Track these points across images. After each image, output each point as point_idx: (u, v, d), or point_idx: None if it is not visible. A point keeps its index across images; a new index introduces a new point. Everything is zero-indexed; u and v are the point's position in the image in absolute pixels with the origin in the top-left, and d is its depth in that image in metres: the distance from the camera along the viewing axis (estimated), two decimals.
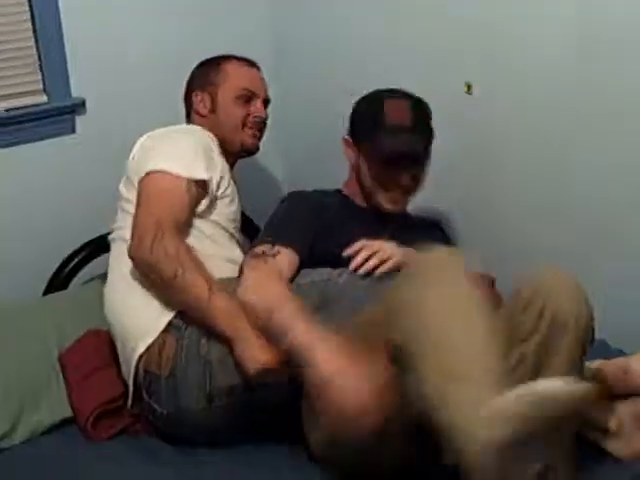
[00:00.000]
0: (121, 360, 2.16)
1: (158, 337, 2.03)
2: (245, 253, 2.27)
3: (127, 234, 2.10)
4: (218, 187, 2.26)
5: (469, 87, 2.56)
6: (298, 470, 1.93)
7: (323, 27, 3.00)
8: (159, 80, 2.84)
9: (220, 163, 2.31)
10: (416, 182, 2.35)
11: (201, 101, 2.47)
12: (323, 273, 2.10)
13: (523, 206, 2.56)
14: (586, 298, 1.78)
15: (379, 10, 2.77)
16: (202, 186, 2.19)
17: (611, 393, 1.90)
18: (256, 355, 1.88)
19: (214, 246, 2.22)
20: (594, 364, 1.98)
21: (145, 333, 2.04)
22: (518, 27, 2.39)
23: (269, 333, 1.89)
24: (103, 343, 2.28)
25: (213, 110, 2.46)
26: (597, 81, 2.26)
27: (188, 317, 2.02)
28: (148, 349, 2.03)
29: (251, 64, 2.54)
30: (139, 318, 2.08)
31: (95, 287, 2.54)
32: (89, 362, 2.24)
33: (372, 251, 2.11)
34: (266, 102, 2.54)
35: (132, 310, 2.11)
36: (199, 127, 2.42)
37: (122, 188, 2.27)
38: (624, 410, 1.90)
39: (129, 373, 2.09)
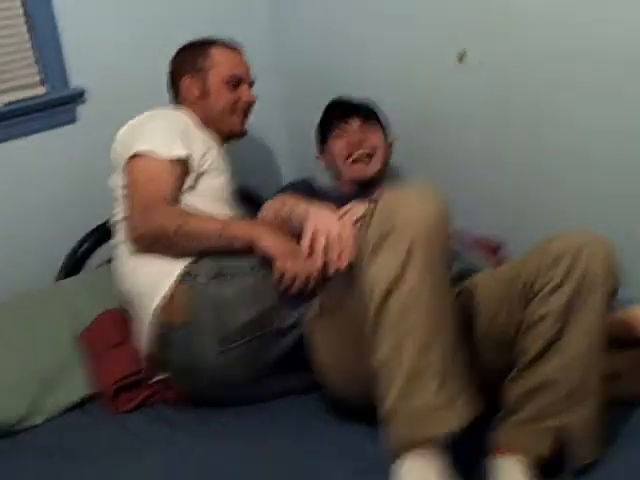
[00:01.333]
0: (137, 325, 2.20)
1: (171, 288, 2.09)
2: None
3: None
4: (202, 162, 2.32)
5: (462, 56, 2.59)
6: (316, 431, 1.98)
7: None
8: (158, 65, 2.83)
9: (200, 139, 2.37)
10: (371, 142, 2.55)
11: (190, 87, 2.50)
12: None
13: (528, 171, 2.60)
14: (616, 258, 1.77)
15: None
16: (183, 164, 2.26)
17: (620, 340, 1.93)
18: (278, 240, 2.04)
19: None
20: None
21: (159, 287, 2.11)
22: None
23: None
24: (120, 321, 2.34)
25: (202, 96, 2.49)
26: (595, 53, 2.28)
27: (200, 265, 2.10)
28: (162, 301, 2.09)
29: (236, 48, 2.57)
30: (151, 275, 2.14)
31: (106, 271, 2.58)
32: (107, 339, 2.30)
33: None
34: (251, 84, 2.59)
35: (143, 271, 2.17)
36: (173, 108, 2.48)
37: (110, 182, 2.34)
38: (629, 356, 1.95)
39: (148, 333, 2.13)
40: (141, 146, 2.23)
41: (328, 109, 2.66)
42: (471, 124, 2.67)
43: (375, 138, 2.58)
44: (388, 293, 1.68)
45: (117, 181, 2.30)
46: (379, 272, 1.69)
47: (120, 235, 2.28)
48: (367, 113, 2.60)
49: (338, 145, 2.59)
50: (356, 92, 2.69)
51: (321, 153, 2.68)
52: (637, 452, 1.78)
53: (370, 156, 2.56)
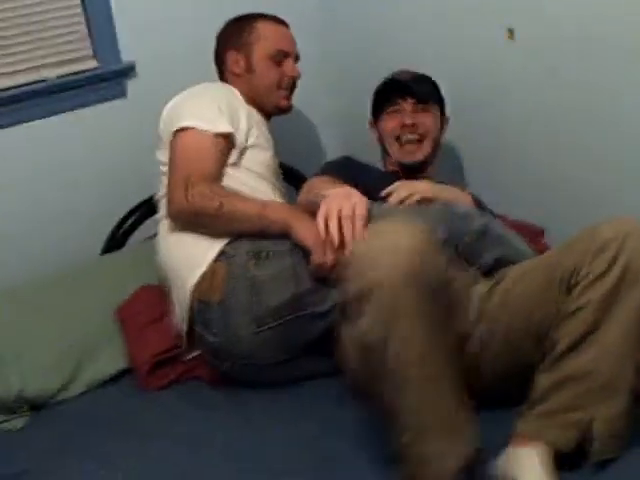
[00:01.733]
0: (174, 302, 2.23)
1: (210, 266, 2.11)
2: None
3: None
4: (247, 137, 2.33)
5: (511, 32, 2.54)
6: (340, 417, 1.98)
7: None
8: (208, 40, 2.85)
9: (245, 114, 2.37)
10: (423, 126, 2.49)
11: (236, 61, 2.50)
12: None
13: (571, 155, 2.53)
14: None
15: None
16: (228, 139, 2.27)
17: None
18: (315, 231, 1.98)
19: (249, 192, 2.26)
20: None
21: (197, 264, 2.13)
22: None
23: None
24: (158, 296, 2.36)
25: (248, 70, 2.49)
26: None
27: (238, 244, 2.11)
28: (201, 279, 2.11)
29: (282, 23, 2.56)
30: (191, 252, 2.16)
31: (150, 246, 2.60)
32: (145, 314, 2.33)
33: (409, 191, 2.20)
34: (297, 59, 2.57)
35: (183, 247, 2.19)
36: (220, 83, 2.50)
37: (158, 155, 2.36)
38: None
39: (184, 309, 2.16)
40: (186, 121, 2.24)
41: (386, 83, 2.60)
42: (519, 102, 2.62)
43: (428, 122, 2.52)
44: (381, 350, 1.64)
45: (163, 156, 2.32)
46: (367, 329, 1.65)
47: (162, 211, 2.30)
48: (424, 94, 2.54)
49: (390, 124, 2.54)
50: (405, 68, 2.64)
51: (374, 124, 2.64)
52: None
53: (421, 140, 2.52)
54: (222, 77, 2.56)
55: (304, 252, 2.04)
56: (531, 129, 2.61)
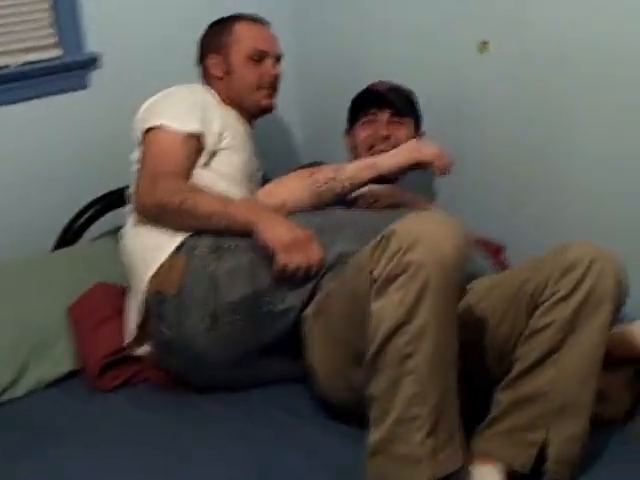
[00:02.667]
0: (132, 293, 2.19)
1: (169, 257, 2.10)
2: None
3: None
4: (220, 139, 2.31)
5: (485, 44, 2.53)
6: (296, 426, 1.97)
7: None
8: (173, 34, 2.83)
9: (219, 116, 2.34)
10: (397, 139, 2.48)
11: (215, 64, 2.49)
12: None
13: (534, 172, 2.56)
14: (625, 278, 1.76)
15: None
16: (198, 139, 2.25)
17: (612, 358, 1.88)
18: (279, 231, 2.01)
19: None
20: None
21: (157, 254, 2.11)
22: None
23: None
24: (111, 295, 2.33)
25: (227, 72, 2.47)
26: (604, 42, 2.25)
27: (200, 237, 2.09)
28: (159, 270, 2.09)
29: (261, 22, 2.54)
30: (152, 242, 2.14)
31: (105, 243, 2.59)
32: (97, 313, 2.28)
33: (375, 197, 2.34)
34: (278, 58, 2.54)
35: (145, 238, 2.17)
36: (195, 84, 2.47)
37: (132, 155, 2.32)
38: (615, 375, 1.92)
39: (140, 300, 2.12)
40: (156, 120, 2.24)
41: (364, 92, 2.61)
42: (490, 115, 2.63)
43: (402, 135, 2.51)
44: (393, 333, 1.65)
45: (135, 156, 2.30)
46: (386, 310, 1.66)
47: (130, 207, 2.28)
48: (401, 107, 2.55)
49: (364, 133, 2.55)
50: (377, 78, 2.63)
51: (348, 132, 2.64)
52: (612, 475, 1.75)
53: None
54: (204, 80, 2.54)
55: (266, 252, 2.02)
56: (498, 143, 2.63)
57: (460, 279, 1.69)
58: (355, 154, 2.57)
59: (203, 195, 2.12)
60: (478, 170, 2.69)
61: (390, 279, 1.65)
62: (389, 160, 2.22)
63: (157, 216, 2.13)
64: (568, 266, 1.73)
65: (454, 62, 2.65)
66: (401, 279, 1.63)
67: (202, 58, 2.54)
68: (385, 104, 2.53)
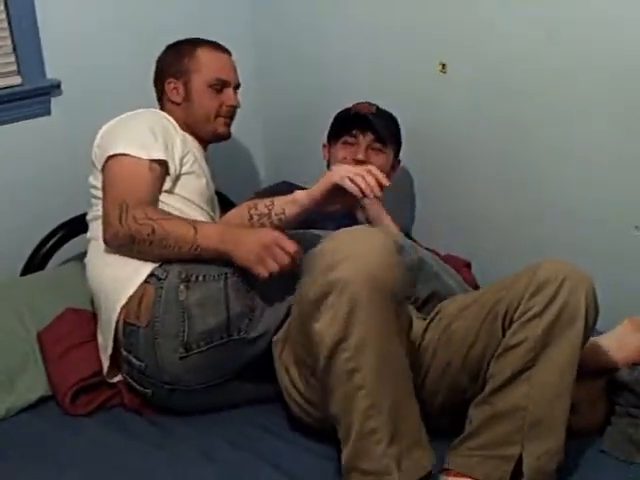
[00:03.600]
0: (101, 324, 2.17)
1: (139, 287, 2.07)
2: None
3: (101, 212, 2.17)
4: (182, 164, 2.31)
5: (443, 66, 2.57)
6: (274, 441, 1.98)
7: (304, 15, 2.99)
8: (133, 61, 2.83)
9: (180, 141, 2.34)
10: (373, 163, 2.43)
11: (174, 89, 2.48)
12: None
13: (498, 190, 2.59)
14: (595, 295, 1.77)
15: None
16: (162, 165, 2.24)
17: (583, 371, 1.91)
18: (247, 249, 1.96)
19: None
20: None
21: (126, 285, 2.09)
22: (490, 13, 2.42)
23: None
24: (82, 320, 2.31)
25: (186, 98, 2.47)
26: (566, 66, 2.29)
27: (169, 267, 2.07)
28: (129, 300, 2.07)
29: (223, 50, 2.53)
30: (120, 273, 2.12)
31: (72, 267, 2.57)
32: (68, 338, 2.25)
33: None
34: (237, 87, 2.56)
35: (114, 268, 2.14)
36: (153, 109, 2.45)
37: (91, 179, 2.31)
38: (586, 387, 1.94)
39: (110, 331, 2.10)
40: (120, 147, 2.20)
41: (349, 111, 2.61)
42: (450, 135, 2.66)
43: (379, 162, 2.52)
44: (334, 351, 1.68)
45: (95, 180, 2.28)
46: (323, 330, 1.69)
47: (93, 232, 2.26)
48: (383, 134, 2.56)
49: (342, 153, 2.57)
50: (339, 102, 2.66)
51: (327, 144, 2.65)
52: None
53: None
54: (160, 102, 2.53)
55: (239, 274, 2.02)
56: (463, 162, 2.66)
57: (394, 288, 1.70)
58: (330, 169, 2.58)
59: (173, 224, 2.08)
60: (440, 190, 2.74)
61: (320, 299, 1.68)
62: (307, 192, 2.09)
63: (128, 246, 2.09)
64: (541, 283, 1.74)
65: (414, 84, 2.69)
66: (330, 298, 1.67)
67: (160, 80, 2.52)
68: (368, 128, 2.54)
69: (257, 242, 1.97)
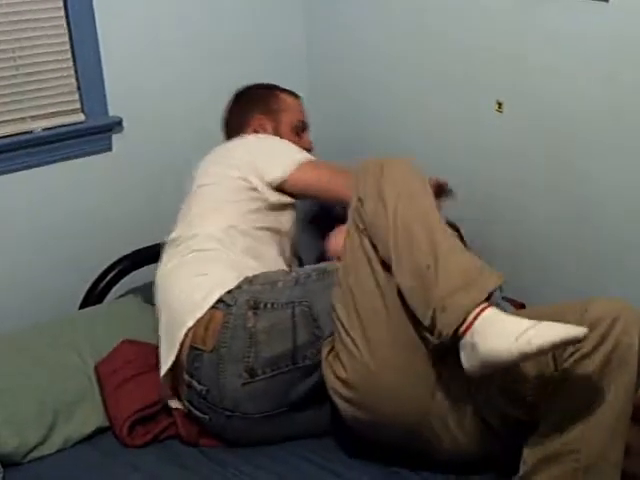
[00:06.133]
0: (165, 347, 2.19)
1: (207, 312, 2.10)
2: None
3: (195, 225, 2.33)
4: None
5: (500, 105, 2.58)
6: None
7: (355, 53, 3.03)
8: (193, 101, 2.89)
9: None
10: None
11: (262, 125, 2.58)
12: None
13: (546, 228, 2.58)
14: None
15: (409, 36, 2.81)
16: None
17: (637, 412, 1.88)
18: None
19: None
20: None
21: (195, 308, 2.12)
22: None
23: None
24: (138, 352, 2.34)
25: (274, 134, 2.57)
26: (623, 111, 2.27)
27: (238, 293, 2.11)
28: (196, 324, 2.10)
29: (298, 96, 2.68)
30: (191, 295, 2.16)
31: (129, 300, 2.62)
32: (124, 370, 2.28)
33: None
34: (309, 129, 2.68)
35: (184, 289, 2.19)
36: None
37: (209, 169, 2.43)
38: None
39: (174, 354, 2.12)
40: (292, 156, 2.43)
41: None
42: (504, 176, 2.66)
43: None
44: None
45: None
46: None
47: (170, 255, 2.33)
48: None
49: None
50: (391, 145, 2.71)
51: None
52: None
53: None
54: (234, 136, 2.59)
55: (307, 302, 2.06)
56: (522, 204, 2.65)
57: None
58: None
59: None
60: (500, 231, 2.73)
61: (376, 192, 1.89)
62: None
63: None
64: (591, 323, 1.70)
65: (470, 122, 2.70)
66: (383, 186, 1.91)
67: (245, 115, 2.61)
68: None
69: None
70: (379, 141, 2.90)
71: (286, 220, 2.45)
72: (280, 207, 2.42)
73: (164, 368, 2.15)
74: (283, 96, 2.63)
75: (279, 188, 2.40)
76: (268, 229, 2.39)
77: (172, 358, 2.13)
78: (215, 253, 2.27)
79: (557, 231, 2.55)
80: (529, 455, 1.78)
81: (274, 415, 2.09)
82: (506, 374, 1.80)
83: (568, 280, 2.53)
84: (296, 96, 2.67)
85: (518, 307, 2.52)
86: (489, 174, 2.69)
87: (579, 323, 1.71)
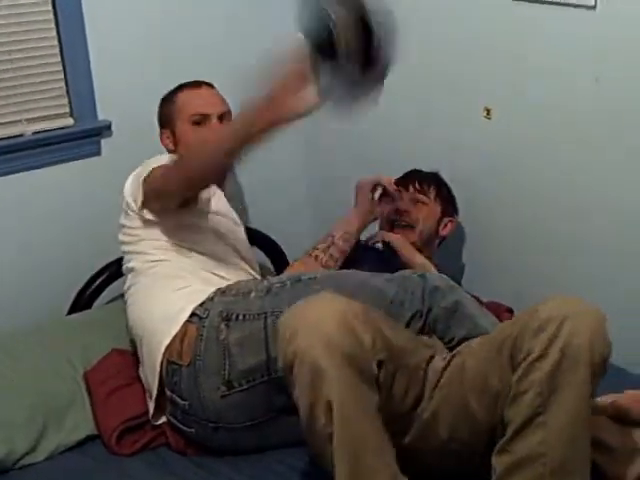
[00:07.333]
0: (144, 367, 2.19)
1: (182, 327, 2.10)
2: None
3: (135, 255, 2.30)
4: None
5: (488, 112, 2.59)
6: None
7: None
8: None
9: None
10: (415, 213, 2.69)
11: (167, 138, 2.58)
12: None
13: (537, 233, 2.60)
14: (605, 333, 1.70)
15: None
16: None
17: (627, 418, 1.88)
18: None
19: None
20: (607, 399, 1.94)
21: (170, 325, 2.12)
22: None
23: None
24: (127, 361, 2.33)
25: (176, 143, 2.55)
26: (613, 110, 2.29)
27: (210, 305, 2.11)
28: (172, 340, 2.10)
29: (199, 84, 2.58)
30: (163, 314, 2.16)
31: (118, 306, 2.58)
32: (114, 379, 2.28)
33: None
34: (223, 116, 2.54)
35: (156, 309, 2.19)
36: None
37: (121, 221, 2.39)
38: (629, 436, 1.90)
39: (154, 374, 2.12)
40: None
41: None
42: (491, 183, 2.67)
43: (421, 212, 2.63)
44: (310, 418, 1.68)
45: (127, 223, 2.37)
46: (297, 399, 1.71)
47: (131, 269, 2.32)
48: (425, 185, 2.65)
49: (387, 208, 2.66)
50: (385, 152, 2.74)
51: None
52: None
53: (411, 227, 2.62)
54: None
55: (279, 313, 2.01)
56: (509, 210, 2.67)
57: (355, 350, 1.67)
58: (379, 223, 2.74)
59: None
60: (483, 237, 2.76)
61: (288, 370, 1.70)
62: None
63: (159, 197, 2.23)
64: (539, 326, 1.69)
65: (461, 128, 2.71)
66: (295, 369, 1.68)
67: (160, 137, 2.62)
68: (412, 180, 2.68)
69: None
70: (370, 142, 2.89)
71: (200, 238, 2.35)
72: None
73: (152, 395, 2.15)
74: (177, 97, 2.56)
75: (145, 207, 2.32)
76: (190, 249, 2.32)
77: (156, 384, 2.13)
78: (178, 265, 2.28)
79: (547, 232, 2.56)
80: (498, 463, 1.76)
81: (259, 424, 2.08)
82: (481, 401, 1.82)
83: (556, 284, 2.54)
84: (197, 86, 2.56)
85: (505, 311, 2.53)
86: (475, 174, 2.72)
87: (528, 325, 1.71)
